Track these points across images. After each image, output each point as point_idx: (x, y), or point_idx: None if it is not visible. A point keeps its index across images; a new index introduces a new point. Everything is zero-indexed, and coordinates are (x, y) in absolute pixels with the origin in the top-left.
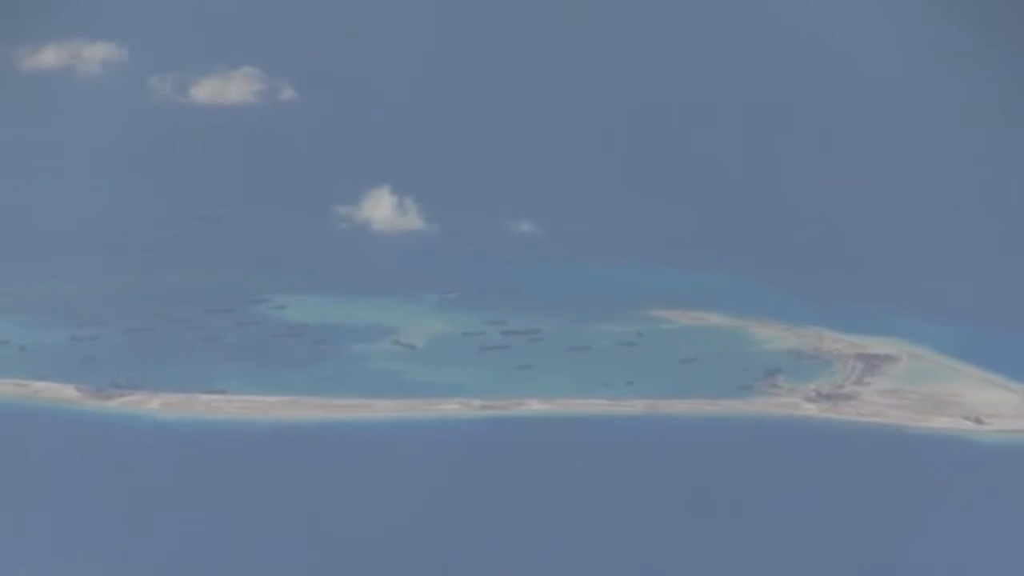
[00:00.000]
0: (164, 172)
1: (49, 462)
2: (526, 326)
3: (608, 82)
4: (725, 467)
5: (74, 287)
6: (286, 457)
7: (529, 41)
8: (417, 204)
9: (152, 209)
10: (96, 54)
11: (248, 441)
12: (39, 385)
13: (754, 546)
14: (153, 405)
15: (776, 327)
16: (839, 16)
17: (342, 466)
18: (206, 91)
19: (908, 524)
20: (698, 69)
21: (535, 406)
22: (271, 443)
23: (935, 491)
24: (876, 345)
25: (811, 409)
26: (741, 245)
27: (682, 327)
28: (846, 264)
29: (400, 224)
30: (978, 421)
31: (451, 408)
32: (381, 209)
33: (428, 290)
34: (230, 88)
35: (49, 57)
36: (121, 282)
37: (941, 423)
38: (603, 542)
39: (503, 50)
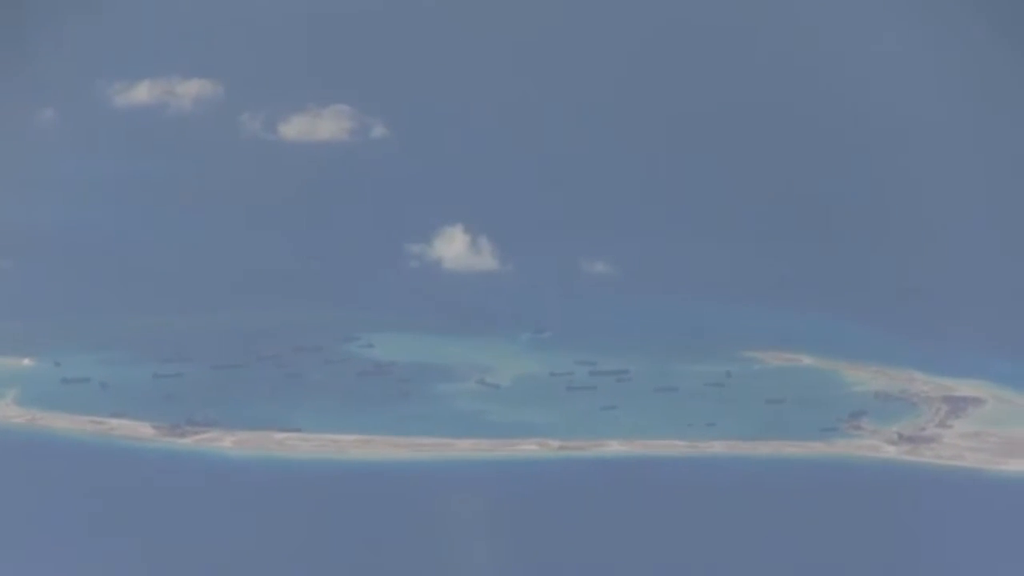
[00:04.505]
0: (252, 207)
1: (112, 499)
2: (615, 366)
3: (695, 123)
4: (793, 508)
5: (161, 324)
6: (355, 496)
7: (607, 83)
8: (491, 243)
9: (243, 244)
10: (189, 90)
11: (319, 479)
12: (115, 423)
13: None
14: (225, 443)
15: (868, 368)
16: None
17: (413, 506)
18: (296, 128)
19: (977, 566)
20: (791, 113)
21: (614, 447)
22: (342, 482)
23: (1007, 534)
24: (964, 387)
25: (891, 452)
26: (838, 286)
27: (772, 368)
28: (941, 306)
29: (474, 263)
30: None
31: (529, 449)
32: (454, 247)
33: (520, 329)
34: (320, 125)
35: (142, 93)
36: (213, 318)
37: (1018, 466)
38: None
39: (582, 92)
